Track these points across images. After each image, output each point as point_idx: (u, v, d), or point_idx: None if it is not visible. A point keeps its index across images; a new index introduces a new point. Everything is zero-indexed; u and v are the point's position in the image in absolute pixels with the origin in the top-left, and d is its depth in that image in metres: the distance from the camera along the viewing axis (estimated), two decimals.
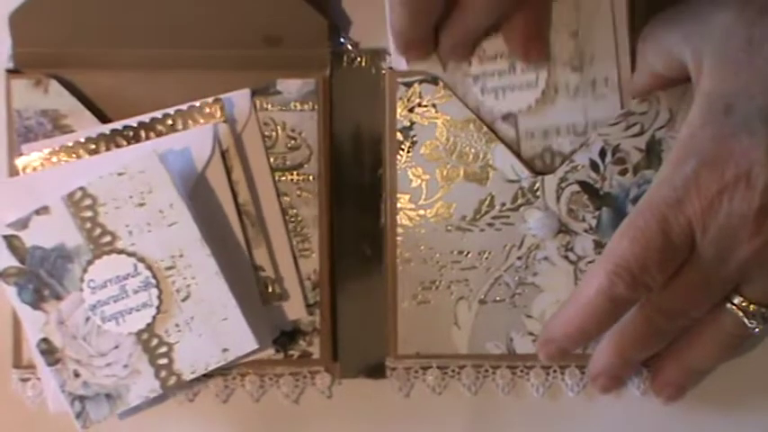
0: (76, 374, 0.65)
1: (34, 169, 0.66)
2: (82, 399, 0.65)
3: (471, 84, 0.67)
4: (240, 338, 0.64)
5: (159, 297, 0.64)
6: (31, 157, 0.66)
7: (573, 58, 0.67)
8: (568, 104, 0.68)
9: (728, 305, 0.62)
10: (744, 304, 0.62)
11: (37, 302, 0.65)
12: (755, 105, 0.58)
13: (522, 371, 0.70)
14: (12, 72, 0.66)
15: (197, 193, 0.65)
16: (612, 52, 0.67)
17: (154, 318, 0.64)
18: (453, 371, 0.69)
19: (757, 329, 0.62)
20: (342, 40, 0.68)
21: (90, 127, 0.66)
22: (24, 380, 0.68)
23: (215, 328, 0.64)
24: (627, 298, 0.60)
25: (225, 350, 0.65)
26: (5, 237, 0.64)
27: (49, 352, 0.65)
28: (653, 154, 0.67)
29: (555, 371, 0.70)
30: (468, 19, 0.63)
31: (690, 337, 0.65)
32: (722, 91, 0.59)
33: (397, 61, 0.68)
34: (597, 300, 0.61)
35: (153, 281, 0.64)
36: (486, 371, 0.69)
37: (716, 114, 0.59)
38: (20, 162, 0.66)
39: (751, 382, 0.70)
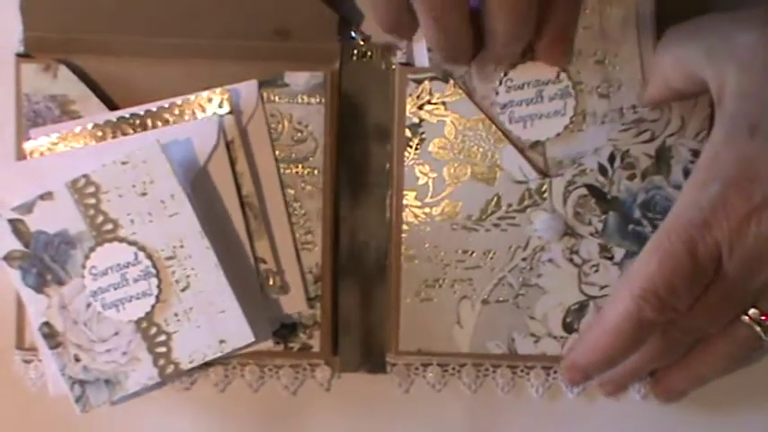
0: (77, 359, 0.66)
1: (41, 154, 0.66)
2: (82, 383, 0.66)
3: (498, 112, 0.67)
4: (237, 331, 0.65)
5: (159, 286, 0.64)
6: (39, 141, 0.66)
7: (600, 85, 0.66)
8: (597, 132, 0.67)
9: (744, 318, 0.61)
10: (761, 318, 0.61)
11: (40, 286, 0.65)
12: None
13: (522, 371, 0.69)
14: (22, 56, 0.67)
15: (200, 184, 0.65)
16: (639, 79, 0.66)
17: (153, 306, 0.64)
18: (454, 368, 0.69)
19: None
20: (353, 34, 0.68)
21: (97, 113, 0.66)
22: (27, 361, 0.69)
23: (213, 319, 0.64)
24: (654, 321, 0.60)
25: (222, 342, 0.65)
26: (10, 220, 0.64)
27: (51, 336, 0.66)
28: (662, 161, 0.66)
29: (555, 371, 0.69)
30: (502, 29, 0.61)
31: (700, 349, 0.65)
32: (746, 111, 0.58)
33: (419, 57, 0.67)
34: (624, 325, 0.60)
35: (153, 270, 0.64)
36: (487, 369, 0.69)
37: (740, 134, 0.58)
38: (27, 146, 0.66)
39: (751, 383, 0.70)
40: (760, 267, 0.58)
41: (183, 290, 0.64)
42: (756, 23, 0.59)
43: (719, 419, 0.71)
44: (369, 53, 0.68)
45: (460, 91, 0.66)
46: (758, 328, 0.61)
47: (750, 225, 0.57)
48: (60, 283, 0.65)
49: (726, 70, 0.59)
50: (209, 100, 0.66)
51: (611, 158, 0.66)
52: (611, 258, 0.67)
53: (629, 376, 0.67)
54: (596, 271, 0.67)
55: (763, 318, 0.61)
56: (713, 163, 0.58)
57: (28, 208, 0.64)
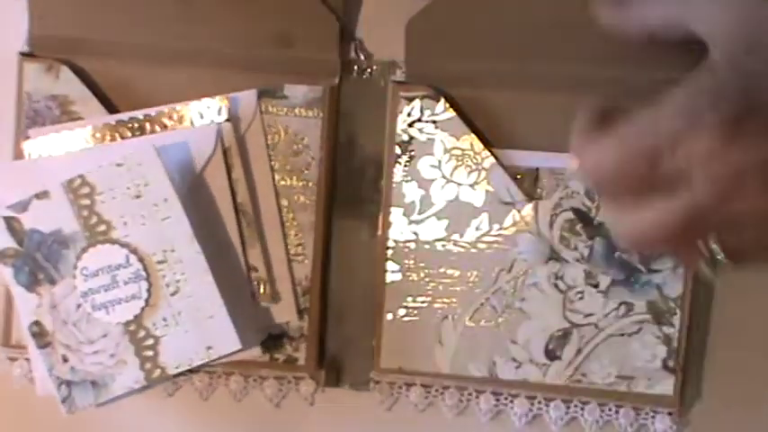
0: (65, 359, 0.66)
1: (39, 154, 0.67)
2: (69, 384, 0.66)
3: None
4: (224, 337, 0.65)
5: (149, 290, 0.65)
6: (38, 141, 0.67)
7: None
8: None
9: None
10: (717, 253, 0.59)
11: (32, 285, 0.66)
12: None
13: (506, 398, 0.69)
14: (25, 55, 0.68)
15: (196, 190, 0.66)
16: None
17: (142, 310, 0.65)
18: (437, 390, 0.69)
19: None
20: (356, 49, 0.69)
21: (97, 115, 0.67)
22: (12, 359, 0.69)
23: (201, 324, 0.65)
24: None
25: (209, 348, 0.65)
26: (5, 218, 0.65)
27: (40, 335, 0.66)
28: None
29: (540, 402, 0.69)
30: None
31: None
32: (739, 35, 0.57)
33: None
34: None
35: (143, 273, 0.65)
36: (470, 394, 0.69)
37: (737, 55, 0.57)
38: (26, 146, 0.67)
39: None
40: (733, 196, 0.55)
41: (172, 294, 0.65)
42: None
43: None
44: (369, 69, 0.69)
45: (451, 110, 0.67)
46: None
47: (733, 150, 0.54)
48: (52, 282, 0.66)
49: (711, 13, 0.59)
50: (209, 107, 0.67)
51: None
52: (596, 286, 0.68)
53: None
54: (581, 298, 0.68)
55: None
56: (713, 78, 0.56)
57: (23, 206, 0.65)
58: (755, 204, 0.56)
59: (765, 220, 0.57)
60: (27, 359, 0.68)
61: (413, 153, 0.68)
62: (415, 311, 0.68)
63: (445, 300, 0.68)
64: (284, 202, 0.68)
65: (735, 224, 0.57)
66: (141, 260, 0.65)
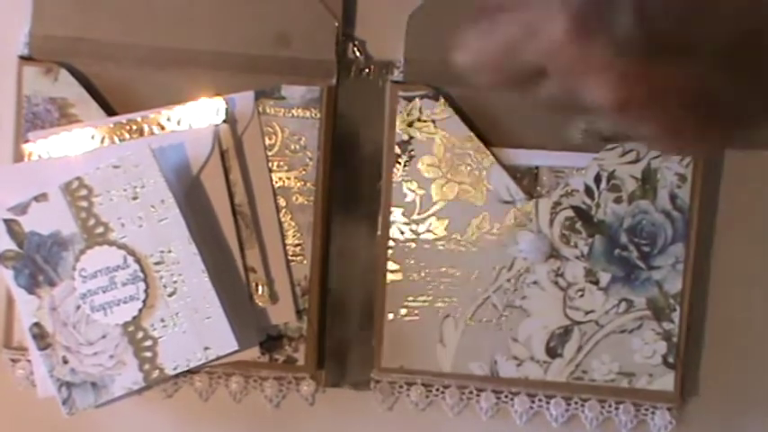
0: (65, 361, 0.67)
1: (39, 156, 0.67)
2: (69, 385, 0.67)
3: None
4: (222, 338, 0.65)
5: (146, 291, 0.65)
6: (37, 144, 0.67)
7: None
8: None
9: None
10: None
11: (32, 287, 0.66)
12: None
13: (506, 396, 0.69)
14: (24, 59, 0.68)
15: (194, 191, 0.66)
16: None
17: (140, 311, 0.65)
18: (438, 389, 0.69)
19: None
20: (353, 49, 0.69)
21: (96, 118, 0.68)
22: (14, 360, 0.69)
23: (198, 325, 0.65)
24: None
25: (206, 348, 0.65)
26: (5, 220, 0.65)
27: (41, 336, 0.66)
28: (648, 184, 0.67)
29: (540, 399, 0.69)
30: None
31: None
32: None
33: None
34: None
35: (141, 274, 0.65)
36: (471, 392, 0.69)
37: None
38: (26, 148, 0.67)
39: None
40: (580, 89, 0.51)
41: (170, 295, 0.65)
42: None
43: None
44: (366, 70, 0.69)
45: (450, 109, 0.67)
46: None
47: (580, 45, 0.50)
48: (51, 284, 0.66)
49: None
50: (206, 108, 0.67)
51: (597, 179, 0.67)
52: (596, 283, 0.67)
53: None
54: (581, 296, 0.68)
55: None
56: None
57: (22, 209, 0.65)
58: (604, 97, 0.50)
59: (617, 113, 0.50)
60: (29, 361, 0.68)
61: (412, 153, 0.68)
62: (416, 311, 0.68)
63: (446, 299, 0.68)
64: (282, 203, 0.68)
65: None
66: (138, 261, 0.65)
